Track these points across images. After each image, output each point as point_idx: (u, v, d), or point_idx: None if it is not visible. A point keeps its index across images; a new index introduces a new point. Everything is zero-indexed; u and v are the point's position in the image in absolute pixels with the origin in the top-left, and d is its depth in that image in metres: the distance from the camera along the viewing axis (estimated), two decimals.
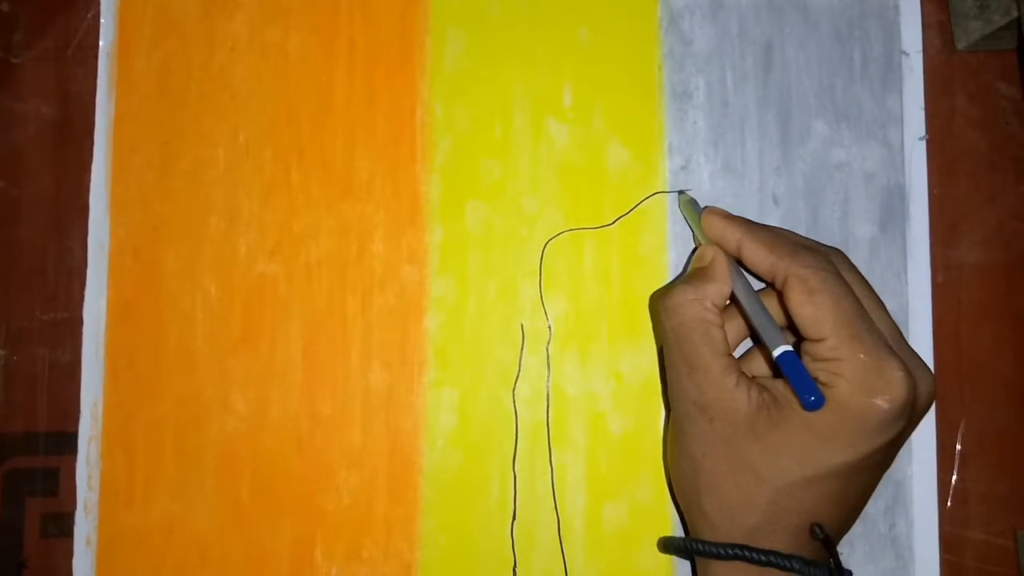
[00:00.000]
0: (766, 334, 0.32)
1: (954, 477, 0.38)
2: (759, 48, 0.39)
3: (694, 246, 0.37)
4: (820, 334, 0.30)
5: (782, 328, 0.33)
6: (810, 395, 0.30)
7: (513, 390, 0.37)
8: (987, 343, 0.39)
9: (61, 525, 0.36)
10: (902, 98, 0.39)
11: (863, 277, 0.34)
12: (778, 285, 0.32)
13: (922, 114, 0.39)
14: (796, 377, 0.30)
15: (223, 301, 0.37)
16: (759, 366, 0.35)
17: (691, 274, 0.34)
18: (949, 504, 0.38)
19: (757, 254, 0.33)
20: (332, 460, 0.37)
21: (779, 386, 0.32)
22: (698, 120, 0.39)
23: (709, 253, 0.34)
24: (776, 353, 0.31)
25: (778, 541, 0.31)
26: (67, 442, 0.37)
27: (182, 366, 0.37)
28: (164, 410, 0.37)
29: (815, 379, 0.30)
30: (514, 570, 0.36)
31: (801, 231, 0.38)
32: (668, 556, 0.37)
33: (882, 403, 0.30)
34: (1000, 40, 0.38)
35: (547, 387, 0.37)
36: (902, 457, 0.37)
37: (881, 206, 0.38)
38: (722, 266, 0.34)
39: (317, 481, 0.37)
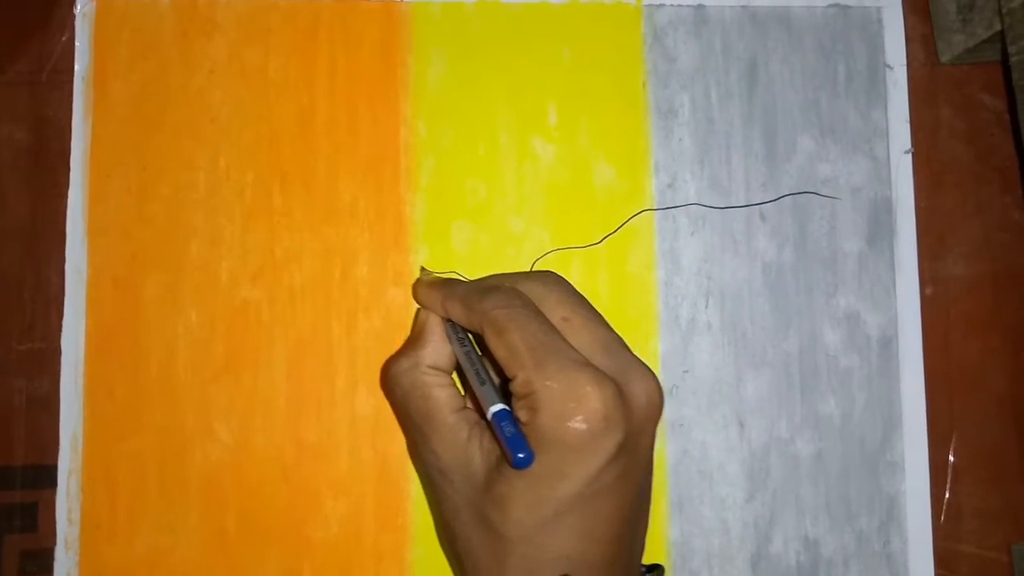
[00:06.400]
0: (479, 394, 0.30)
1: (947, 492, 0.38)
2: (743, 64, 0.39)
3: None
4: (513, 372, 0.29)
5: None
6: (519, 452, 0.28)
7: None
8: (976, 355, 0.39)
9: (41, 562, 0.35)
10: (887, 111, 0.39)
11: (574, 292, 0.32)
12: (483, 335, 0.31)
13: (907, 127, 0.39)
14: (503, 436, 0.28)
15: (205, 328, 0.36)
16: None
17: (407, 342, 0.34)
18: (943, 519, 0.37)
19: (456, 312, 0.32)
20: (319, 488, 0.36)
21: None
22: (684, 137, 0.38)
23: (421, 317, 0.34)
24: (489, 415, 0.29)
25: None
26: (46, 475, 0.36)
27: (164, 395, 0.36)
28: (146, 441, 0.36)
29: (519, 419, 0.29)
30: None
31: (789, 247, 0.38)
32: None
33: (577, 424, 0.28)
34: (983, 53, 0.38)
35: None
36: (895, 473, 0.37)
37: (868, 220, 0.38)
38: (433, 327, 0.33)
39: (304, 510, 0.36)
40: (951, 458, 0.38)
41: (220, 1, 0.38)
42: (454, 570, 0.34)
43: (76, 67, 0.37)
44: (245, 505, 0.36)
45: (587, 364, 0.29)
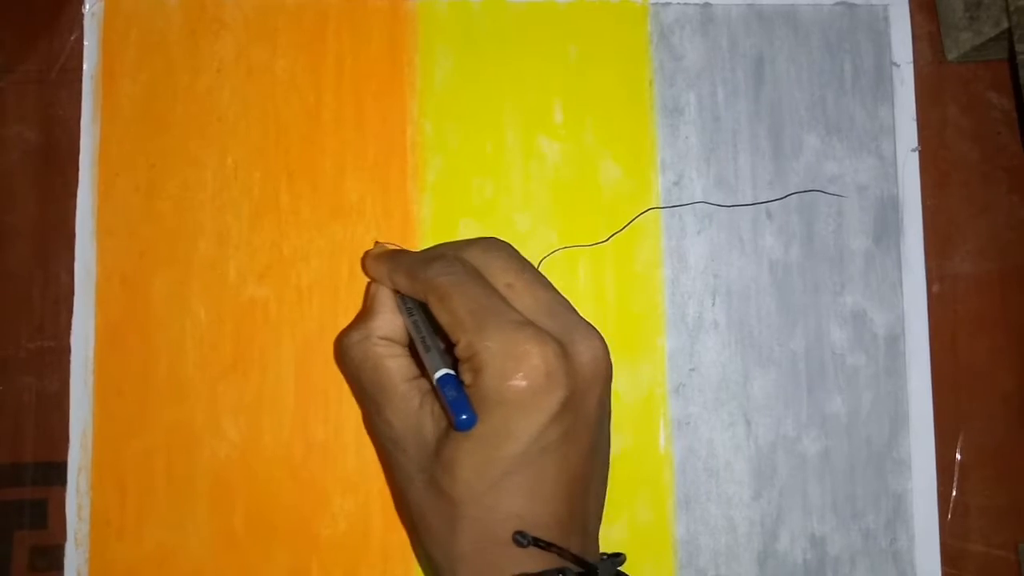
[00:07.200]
0: (425, 361, 0.31)
1: (954, 490, 0.38)
2: (750, 62, 0.39)
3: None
4: (456, 337, 0.30)
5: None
6: (461, 414, 0.28)
7: None
8: (984, 354, 0.39)
9: (50, 558, 0.36)
10: (894, 109, 0.39)
11: (518, 257, 0.32)
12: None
13: (914, 125, 0.39)
14: (447, 400, 0.29)
15: (213, 326, 0.37)
16: None
17: (358, 314, 0.34)
18: (949, 517, 0.37)
19: (401, 283, 0.32)
20: (327, 486, 0.36)
21: None
22: (690, 135, 0.38)
23: (372, 289, 0.34)
24: (435, 379, 0.30)
25: (505, 561, 0.29)
26: (56, 472, 0.36)
27: (172, 393, 0.36)
28: (155, 438, 0.36)
29: (463, 381, 0.29)
30: None
31: (795, 245, 0.38)
32: (671, 574, 0.36)
33: (518, 382, 0.28)
34: (990, 51, 0.38)
35: None
36: (902, 471, 0.37)
37: (875, 218, 0.38)
38: (383, 299, 0.33)
39: (312, 507, 0.36)
40: (958, 456, 0.38)
41: (228, 0, 0.38)
42: (411, 538, 0.34)
43: (85, 66, 0.37)
44: (253, 502, 0.36)
45: (527, 324, 0.29)
